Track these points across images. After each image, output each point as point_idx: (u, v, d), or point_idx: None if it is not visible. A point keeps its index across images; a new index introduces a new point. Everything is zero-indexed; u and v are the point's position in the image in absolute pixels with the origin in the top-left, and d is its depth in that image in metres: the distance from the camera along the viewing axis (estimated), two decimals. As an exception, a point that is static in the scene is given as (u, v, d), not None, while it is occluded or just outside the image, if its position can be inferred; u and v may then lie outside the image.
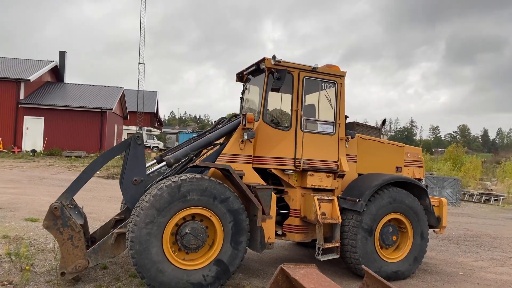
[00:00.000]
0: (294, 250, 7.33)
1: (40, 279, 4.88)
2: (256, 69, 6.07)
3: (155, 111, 47.62)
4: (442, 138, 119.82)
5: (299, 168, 5.68)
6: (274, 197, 5.54)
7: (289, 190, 5.95)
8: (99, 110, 25.65)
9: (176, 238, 4.64)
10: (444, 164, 22.46)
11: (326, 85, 6.09)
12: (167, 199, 4.47)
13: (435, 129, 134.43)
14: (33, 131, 24.65)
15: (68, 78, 31.30)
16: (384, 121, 8.03)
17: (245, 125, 5.32)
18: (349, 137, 6.10)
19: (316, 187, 5.88)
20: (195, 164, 5.09)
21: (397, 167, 6.79)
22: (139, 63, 32.60)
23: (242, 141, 5.43)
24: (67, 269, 4.60)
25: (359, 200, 5.54)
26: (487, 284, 5.83)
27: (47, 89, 27.39)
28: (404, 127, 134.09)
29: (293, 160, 5.72)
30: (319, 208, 5.65)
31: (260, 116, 5.79)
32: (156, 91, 49.30)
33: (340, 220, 5.60)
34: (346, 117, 7.10)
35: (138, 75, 32.76)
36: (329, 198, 5.74)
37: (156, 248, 4.41)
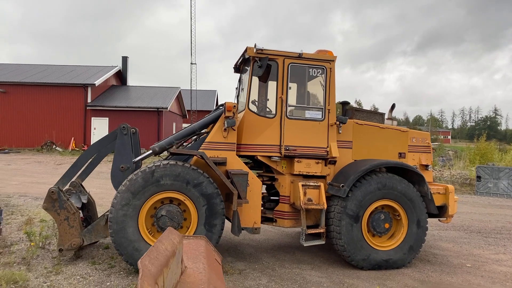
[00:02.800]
0: (299, 237, 7.32)
1: (48, 255, 5.55)
2: (244, 59, 6.21)
3: (215, 109, 49.19)
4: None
5: (282, 155, 5.73)
6: (259, 183, 5.69)
7: (279, 177, 6.03)
8: (156, 109, 27.40)
9: (154, 220, 4.99)
10: (507, 154, 20.32)
11: (314, 71, 6.02)
12: (141, 183, 4.84)
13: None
14: (100, 131, 27.07)
15: (141, 81, 33.68)
16: (393, 106, 7.63)
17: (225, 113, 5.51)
18: (338, 122, 5.97)
19: (305, 173, 5.87)
20: (171, 151, 5.40)
21: (399, 153, 6.48)
22: (191, 64, 34.18)
23: (225, 129, 5.62)
24: (64, 246, 5.19)
25: (342, 186, 5.44)
26: (492, 277, 5.36)
27: (111, 92, 29.90)
28: (486, 116, 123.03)
29: (279, 146, 5.78)
30: (305, 194, 5.66)
31: (246, 105, 5.93)
32: (216, 90, 50.92)
33: (325, 206, 5.55)
34: (347, 103, 6.96)
35: (191, 74, 34.35)
36: (316, 184, 5.70)
37: (132, 228, 4.81)
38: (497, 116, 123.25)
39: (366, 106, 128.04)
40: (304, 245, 5.50)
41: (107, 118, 27.18)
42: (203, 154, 5.14)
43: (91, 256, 5.59)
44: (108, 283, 4.61)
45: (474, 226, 8.74)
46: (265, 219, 6.12)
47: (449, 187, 6.14)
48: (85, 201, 5.86)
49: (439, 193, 6.13)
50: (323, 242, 5.59)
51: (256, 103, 6.55)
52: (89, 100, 27.25)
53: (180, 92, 33.02)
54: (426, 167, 6.56)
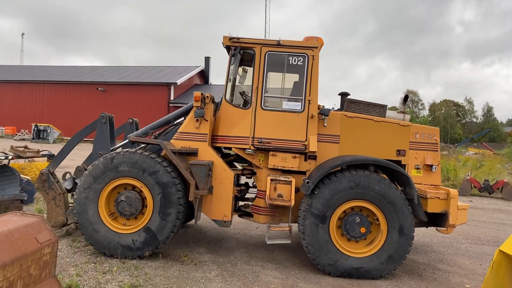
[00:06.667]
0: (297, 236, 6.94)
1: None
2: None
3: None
4: None
5: (250, 147, 5.51)
6: (231, 175, 5.56)
7: (257, 170, 5.81)
8: (230, 106, 28.43)
9: (115, 204, 5.23)
10: None
11: (295, 59, 5.64)
12: (102, 169, 5.11)
13: None
14: (180, 126, 29.14)
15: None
16: (405, 98, 6.66)
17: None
18: (317, 113, 5.49)
19: (280, 168, 5.56)
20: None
21: (398, 150, 5.71)
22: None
23: (197, 119, 5.61)
24: (50, 223, 5.75)
25: (307, 182, 5.01)
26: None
27: (193, 90, 31.86)
28: None
29: (252, 139, 5.56)
30: (275, 189, 5.37)
31: (223, 95, 5.84)
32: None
33: (292, 203, 5.18)
34: (347, 94, 6.38)
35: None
36: (287, 179, 5.36)
37: (92, 210, 5.12)
38: None
39: (479, 105, 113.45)
40: (267, 243, 5.22)
41: (187, 115, 29.03)
42: (161, 143, 5.21)
43: (78, 235, 6.08)
44: (68, 259, 4.98)
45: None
46: (244, 213, 5.97)
47: (452, 192, 5.20)
48: (81, 184, 6.38)
49: (438, 198, 5.24)
50: (289, 242, 5.24)
51: (245, 94, 6.40)
52: (172, 97, 29.49)
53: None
54: (431, 167, 5.66)
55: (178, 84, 29.41)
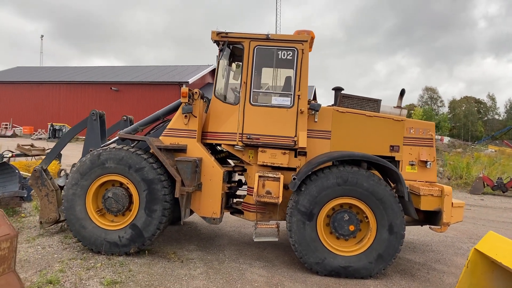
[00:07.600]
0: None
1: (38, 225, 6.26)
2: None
3: (313, 105, 48.45)
4: None
5: (237, 143, 5.43)
6: (220, 172, 5.49)
7: (247, 167, 5.73)
8: (242, 104, 28.40)
9: (102, 201, 5.23)
10: None
11: (284, 53, 5.52)
12: (89, 165, 5.13)
13: None
14: (192, 125, 29.29)
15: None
16: (402, 92, 6.43)
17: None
18: (307, 108, 5.37)
19: (269, 164, 5.47)
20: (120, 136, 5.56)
21: (391, 146, 5.53)
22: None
23: (186, 116, 5.57)
24: (43, 219, 5.81)
25: (294, 179, 4.90)
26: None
27: (205, 89, 31.98)
28: None
29: (240, 135, 5.48)
30: (263, 186, 5.27)
31: (213, 91, 5.78)
32: (313, 86, 50.27)
33: (280, 200, 5.08)
34: (341, 89, 6.22)
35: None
36: (275, 176, 5.25)
37: (80, 207, 5.14)
38: None
39: (502, 102, 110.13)
40: (255, 240, 5.14)
41: (199, 113, 29.16)
42: (147, 139, 5.19)
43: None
44: (56, 255, 5.01)
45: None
46: (235, 211, 5.90)
47: (446, 189, 5.00)
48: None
49: (432, 195, 5.05)
50: (276, 239, 5.15)
51: (236, 90, 6.31)
52: (183, 96, 29.63)
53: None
54: (426, 163, 5.47)
55: (190, 83, 29.57)
